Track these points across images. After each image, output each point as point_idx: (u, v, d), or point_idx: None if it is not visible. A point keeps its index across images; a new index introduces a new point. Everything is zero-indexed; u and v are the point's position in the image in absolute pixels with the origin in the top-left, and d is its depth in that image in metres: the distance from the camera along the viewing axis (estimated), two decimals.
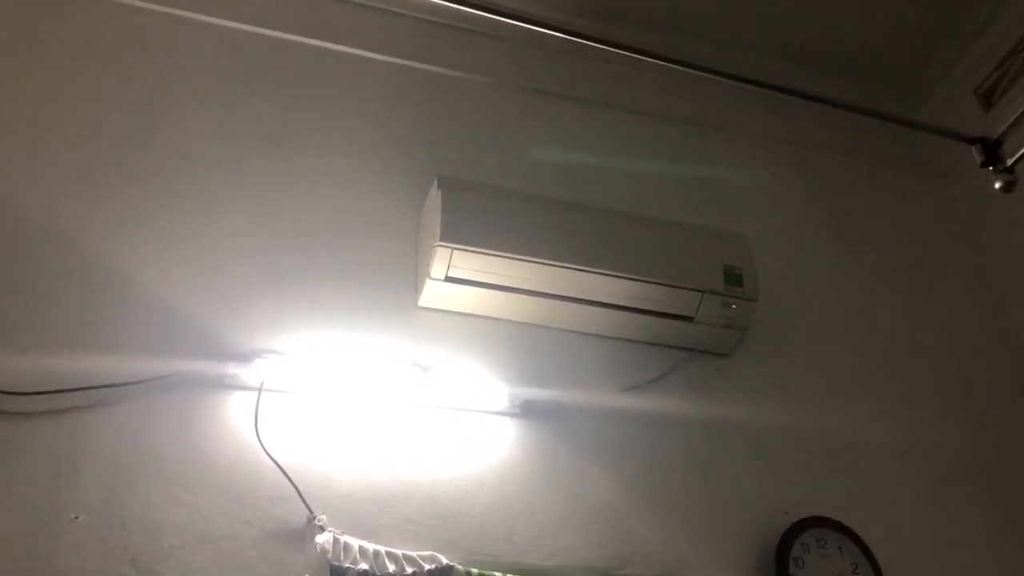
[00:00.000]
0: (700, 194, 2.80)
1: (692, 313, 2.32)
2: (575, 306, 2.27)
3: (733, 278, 2.33)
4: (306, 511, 1.85)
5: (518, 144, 2.68)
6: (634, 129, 2.87)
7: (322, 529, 1.83)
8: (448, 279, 2.17)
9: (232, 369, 1.95)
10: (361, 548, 1.83)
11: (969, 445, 2.55)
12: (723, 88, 3.00)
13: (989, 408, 2.67)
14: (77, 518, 1.72)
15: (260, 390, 1.94)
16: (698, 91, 2.96)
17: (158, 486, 1.80)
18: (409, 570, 1.83)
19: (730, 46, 3.04)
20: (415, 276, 2.28)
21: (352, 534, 1.85)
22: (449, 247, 2.13)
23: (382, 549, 1.85)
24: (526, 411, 2.17)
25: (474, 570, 1.87)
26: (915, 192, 3.14)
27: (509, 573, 1.90)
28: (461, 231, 2.15)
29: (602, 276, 2.22)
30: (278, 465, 1.88)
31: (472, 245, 2.15)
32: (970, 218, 3.10)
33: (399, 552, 1.86)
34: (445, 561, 1.87)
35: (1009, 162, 2.12)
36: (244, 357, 1.96)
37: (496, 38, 2.82)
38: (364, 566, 1.80)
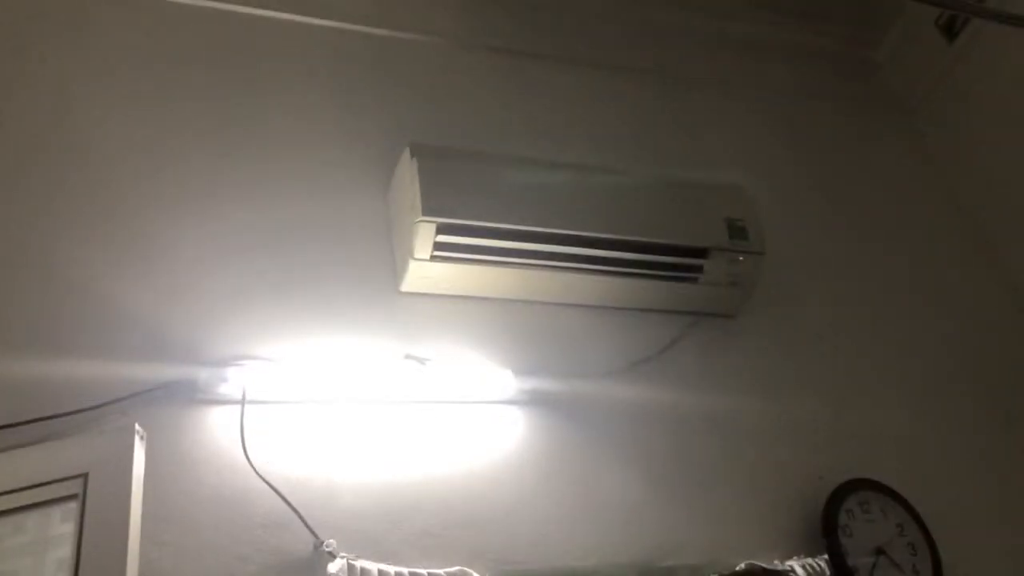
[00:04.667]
0: (676, 147, 2.61)
1: (698, 272, 2.13)
2: (573, 276, 2.06)
3: (737, 231, 2.15)
4: (311, 536, 1.60)
5: (481, 107, 2.44)
6: (598, 84, 2.66)
7: (332, 556, 1.57)
8: (434, 258, 1.93)
9: (206, 381, 1.67)
10: (381, 572, 1.58)
11: (980, 381, 2.46)
12: (687, 36, 2.86)
13: (990, 339, 2.59)
14: None
15: (243, 402, 1.66)
16: (660, 41, 2.78)
17: None
18: None
19: None
20: (392, 260, 2.03)
21: (367, 557, 1.60)
22: (433, 221, 1.90)
23: (404, 570, 1.60)
24: (535, 397, 1.95)
25: None
26: (886, 130, 3.03)
27: None
28: (444, 202, 1.92)
29: (602, 238, 2.02)
30: (272, 487, 1.62)
31: (458, 217, 1.92)
32: (942, 150, 3.01)
33: (424, 572, 1.62)
34: None
35: None
36: (220, 366, 1.69)
37: None
38: None
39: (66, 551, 1.35)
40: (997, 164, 2.86)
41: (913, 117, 3.09)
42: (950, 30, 2.99)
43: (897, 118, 3.08)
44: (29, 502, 1.40)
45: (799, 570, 1.87)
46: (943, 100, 3.01)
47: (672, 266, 2.12)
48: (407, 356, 1.86)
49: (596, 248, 2.03)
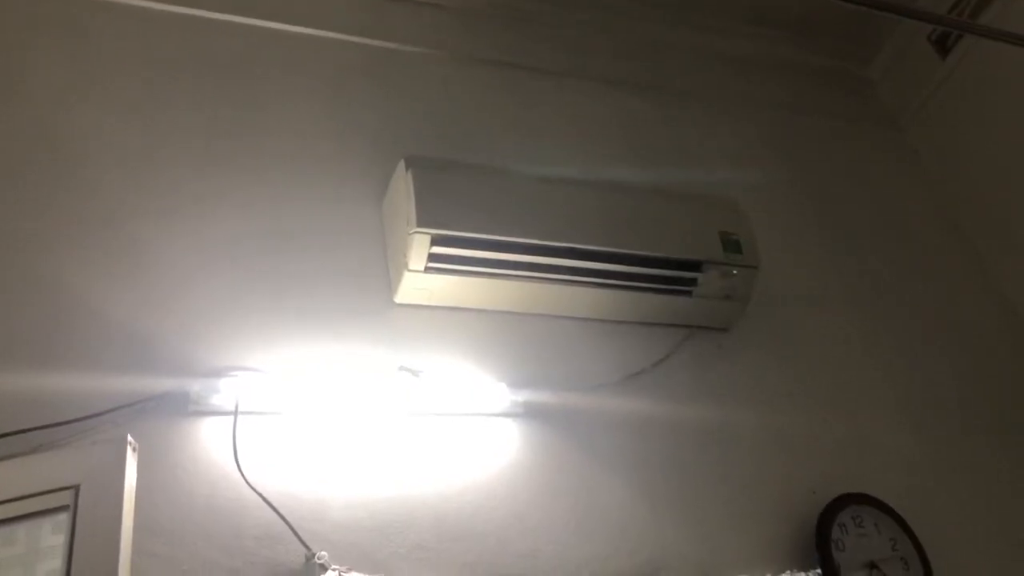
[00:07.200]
0: (671, 161, 2.61)
1: (692, 285, 2.13)
2: (568, 288, 2.05)
3: (731, 245, 2.15)
4: (303, 549, 1.58)
5: (476, 119, 2.44)
6: (594, 98, 2.66)
7: (324, 568, 1.56)
8: (429, 269, 1.93)
9: (199, 392, 1.66)
10: None
11: (973, 395, 2.47)
12: (683, 52, 2.87)
13: (982, 351, 2.60)
14: None
15: (236, 414, 1.65)
16: (657, 56, 2.80)
17: None
18: None
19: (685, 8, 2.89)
20: (386, 272, 2.03)
21: (359, 569, 1.60)
22: (428, 232, 1.89)
23: None
24: (529, 410, 1.94)
25: None
26: (879, 145, 3.05)
27: None
28: (439, 214, 1.92)
29: (597, 251, 2.02)
30: (264, 499, 1.61)
31: (453, 229, 1.91)
32: (934, 165, 3.03)
33: None
34: None
35: None
36: (212, 377, 1.68)
37: (439, 7, 2.59)
38: None
39: (57, 563, 1.34)
40: (990, 179, 2.87)
41: (906, 132, 3.11)
42: (943, 46, 3.01)
43: (890, 133, 3.10)
44: (20, 513, 1.38)
45: None
46: (936, 115, 3.02)
47: (666, 279, 2.12)
48: (401, 368, 1.85)
49: (591, 261, 2.03)
